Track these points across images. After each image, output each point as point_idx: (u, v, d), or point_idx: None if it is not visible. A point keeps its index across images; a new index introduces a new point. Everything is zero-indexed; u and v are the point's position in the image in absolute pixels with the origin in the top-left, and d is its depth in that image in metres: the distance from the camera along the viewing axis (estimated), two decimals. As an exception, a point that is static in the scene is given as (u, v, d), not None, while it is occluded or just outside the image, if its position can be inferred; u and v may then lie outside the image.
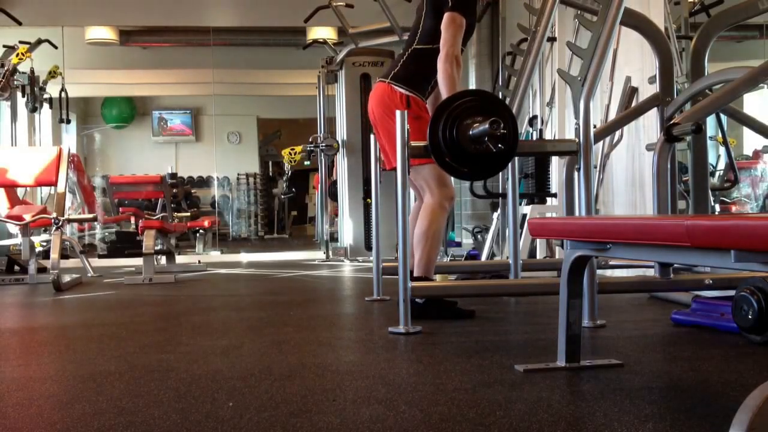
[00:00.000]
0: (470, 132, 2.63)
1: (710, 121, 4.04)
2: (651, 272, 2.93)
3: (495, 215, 5.25)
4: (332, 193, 7.62)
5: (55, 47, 7.22)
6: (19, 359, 2.48)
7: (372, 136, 3.87)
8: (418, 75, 3.12)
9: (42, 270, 5.29)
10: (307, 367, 2.16)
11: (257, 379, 2.00)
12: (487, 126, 2.57)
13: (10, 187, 5.56)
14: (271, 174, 12.28)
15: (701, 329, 2.65)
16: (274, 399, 1.77)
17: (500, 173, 4.73)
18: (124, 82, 10.93)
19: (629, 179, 4.54)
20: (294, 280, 5.21)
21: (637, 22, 3.42)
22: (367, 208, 6.74)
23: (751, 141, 5.25)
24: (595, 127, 2.82)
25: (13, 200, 5.71)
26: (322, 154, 7.27)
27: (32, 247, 5.13)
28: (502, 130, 2.58)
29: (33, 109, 7.24)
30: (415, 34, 3.15)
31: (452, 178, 3.07)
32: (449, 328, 2.89)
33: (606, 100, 4.63)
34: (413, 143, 2.74)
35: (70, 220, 5.27)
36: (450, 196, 3.12)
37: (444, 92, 2.94)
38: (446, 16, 2.99)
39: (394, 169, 3.00)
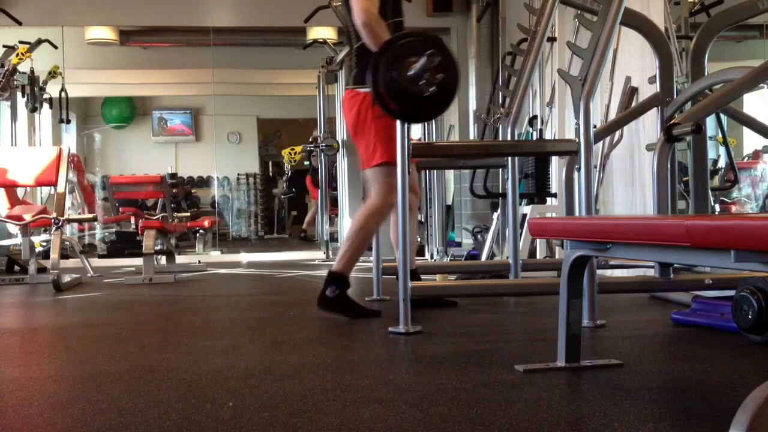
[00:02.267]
0: (409, 72, 2.61)
1: (710, 121, 4.03)
2: (651, 272, 2.93)
3: (495, 215, 5.25)
4: (332, 199, 7.63)
5: (55, 47, 7.22)
6: (19, 359, 2.48)
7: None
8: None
9: (42, 270, 5.29)
10: (307, 367, 2.16)
11: (257, 379, 2.00)
12: (424, 59, 2.56)
13: (10, 187, 5.55)
14: (271, 174, 12.28)
15: (701, 329, 2.65)
16: (274, 399, 1.77)
17: (500, 173, 4.75)
18: (124, 82, 10.92)
19: (629, 179, 4.54)
20: (294, 280, 5.21)
21: (637, 22, 3.42)
22: (367, 208, 6.72)
23: (751, 141, 5.25)
24: (595, 127, 2.82)
25: (13, 200, 5.71)
26: (322, 154, 7.27)
27: (32, 247, 5.13)
28: (430, 74, 2.57)
29: (33, 109, 7.23)
30: (350, 35, 3.09)
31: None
32: (449, 328, 2.89)
33: (606, 100, 4.63)
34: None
35: (70, 220, 5.27)
36: (391, 205, 3.07)
37: (373, 47, 2.84)
38: None
39: (370, 167, 3.04)
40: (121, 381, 2.02)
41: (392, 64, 2.63)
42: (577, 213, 3.00)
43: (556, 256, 4.80)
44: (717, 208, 4.39)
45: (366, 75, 2.74)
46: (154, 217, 6.52)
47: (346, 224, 6.99)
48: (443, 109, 2.84)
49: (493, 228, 5.27)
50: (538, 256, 4.88)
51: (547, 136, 5.60)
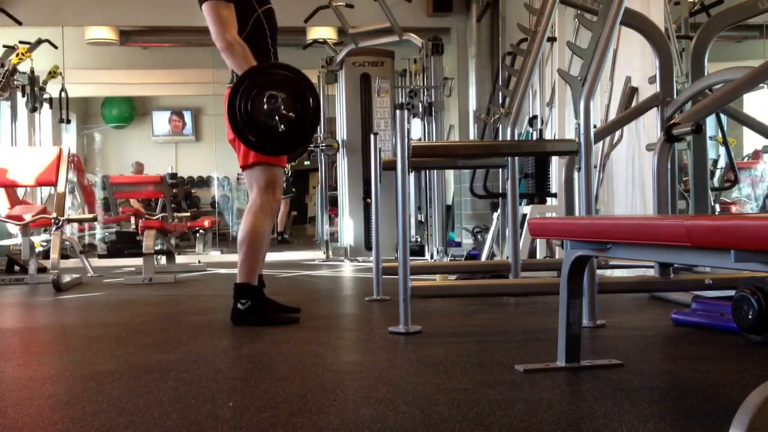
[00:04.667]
0: (264, 106, 2.64)
1: (710, 121, 4.03)
2: (651, 272, 2.93)
3: (495, 215, 5.25)
4: (332, 199, 7.63)
5: (55, 47, 7.22)
6: (19, 359, 2.48)
7: (372, 136, 3.88)
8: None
9: (42, 270, 5.29)
10: (307, 367, 2.16)
11: (257, 379, 2.00)
12: (281, 96, 2.63)
13: (11, 187, 5.56)
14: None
15: (701, 329, 2.65)
16: (274, 399, 1.77)
17: (500, 173, 4.76)
18: (124, 82, 10.92)
19: (629, 179, 4.54)
20: (294, 280, 5.21)
21: (637, 22, 3.42)
22: (367, 208, 6.74)
23: (751, 141, 5.25)
24: (595, 127, 2.82)
25: (13, 200, 5.71)
26: (322, 154, 7.27)
27: (32, 247, 5.13)
28: (284, 110, 2.62)
29: (33, 109, 7.24)
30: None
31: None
32: (449, 328, 2.90)
33: (606, 100, 4.63)
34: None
35: (70, 220, 5.27)
36: (276, 201, 3.04)
37: (237, 72, 2.82)
38: (203, 7, 2.85)
39: (245, 167, 2.99)
40: (121, 381, 2.02)
41: (248, 96, 2.66)
42: (577, 213, 3.00)
43: (556, 256, 4.80)
44: (717, 208, 4.39)
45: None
46: (154, 217, 6.52)
47: (346, 224, 6.99)
48: (298, 147, 2.87)
49: (493, 228, 5.27)
50: (538, 256, 4.88)
51: (547, 136, 5.61)
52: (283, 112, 2.66)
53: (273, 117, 2.66)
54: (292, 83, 2.72)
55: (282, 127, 2.67)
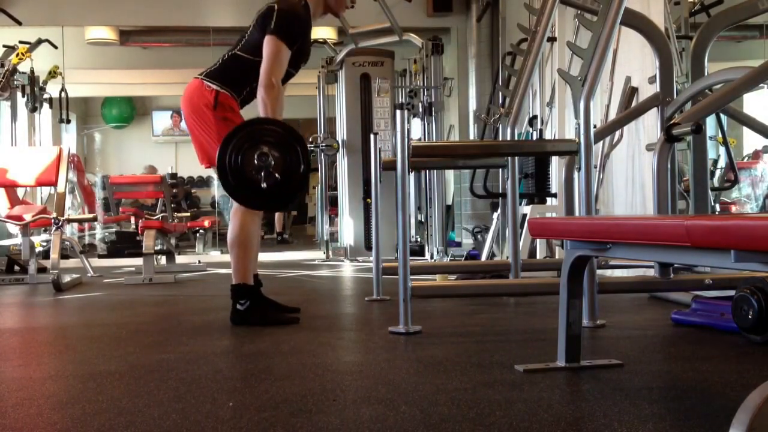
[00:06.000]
0: (254, 159, 2.67)
1: (710, 121, 4.03)
2: (651, 272, 2.93)
3: (495, 215, 5.25)
4: (332, 199, 7.63)
5: (55, 47, 7.22)
6: (19, 359, 2.48)
7: (372, 136, 3.87)
8: (234, 77, 3.02)
9: (42, 270, 5.28)
10: (307, 367, 2.16)
11: (257, 379, 2.00)
12: (273, 155, 2.66)
13: (11, 187, 5.55)
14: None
15: (701, 329, 2.65)
16: (274, 399, 1.77)
17: (500, 173, 4.76)
18: (124, 82, 10.91)
19: (629, 179, 4.54)
20: (294, 280, 5.21)
21: (637, 22, 3.42)
22: (367, 208, 6.74)
23: (751, 141, 5.25)
24: (595, 127, 2.82)
25: (13, 200, 5.71)
26: (322, 154, 7.27)
27: (32, 247, 5.13)
28: (272, 169, 2.65)
29: (33, 109, 7.24)
30: (240, 40, 3.07)
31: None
32: (449, 328, 2.90)
33: (606, 100, 4.63)
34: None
35: (70, 220, 5.27)
36: None
37: (261, 111, 2.89)
38: (266, 39, 2.91)
39: (209, 167, 3.01)
40: (121, 381, 2.02)
41: (242, 146, 2.68)
42: (577, 213, 3.00)
43: (556, 256, 4.80)
44: (717, 208, 4.39)
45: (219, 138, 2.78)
46: (154, 217, 6.52)
47: (346, 224, 6.99)
48: (278, 208, 2.88)
49: (493, 228, 5.27)
50: (538, 256, 4.88)
51: (547, 136, 5.60)
52: (272, 171, 2.68)
53: (260, 173, 2.68)
54: (287, 145, 2.74)
55: (264, 185, 2.69)
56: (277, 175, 2.68)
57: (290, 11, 2.96)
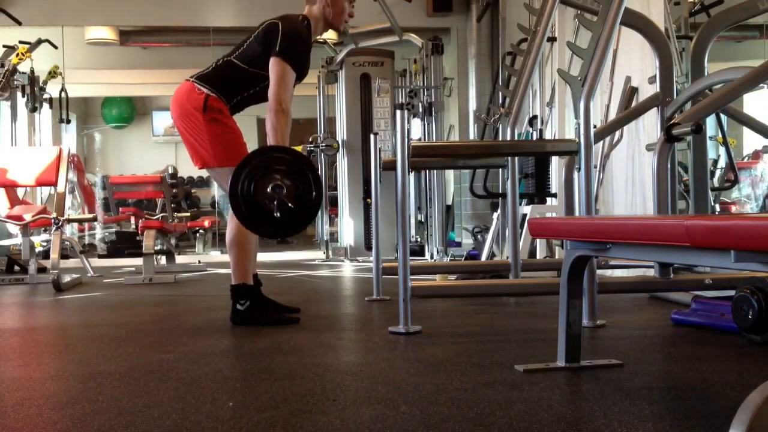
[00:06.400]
0: (267, 188, 2.64)
1: (710, 121, 4.04)
2: (651, 272, 2.93)
3: (495, 215, 5.25)
4: (332, 199, 7.63)
5: (55, 47, 7.22)
6: (19, 359, 2.48)
7: (372, 136, 3.87)
8: (226, 83, 3.02)
9: (42, 270, 5.28)
10: (307, 367, 2.16)
11: (257, 379, 2.00)
12: (287, 185, 2.63)
13: (11, 187, 5.55)
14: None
15: (701, 329, 2.65)
16: (274, 399, 1.77)
17: (500, 173, 4.76)
18: (124, 82, 10.91)
19: (629, 179, 4.54)
20: (294, 280, 5.21)
21: (637, 22, 3.42)
22: (367, 208, 6.74)
23: (751, 141, 5.25)
24: (595, 127, 2.82)
25: (13, 200, 5.71)
26: (322, 154, 7.27)
27: (32, 247, 5.13)
28: (284, 198, 2.62)
29: (33, 109, 7.23)
30: (238, 48, 3.05)
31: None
32: (449, 328, 2.90)
33: (606, 100, 4.63)
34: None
35: (70, 220, 5.27)
36: None
37: (272, 143, 2.88)
38: (273, 60, 2.90)
39: (202, 168, 3.03)
40: (121, 381, 2.02)
41: (254, 175, 2.65)
42: (577, 213, 3.00)
43: (556, 256, 4.80)
44: (717, 208, 4.40)
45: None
46: (154, 217, 6.52)
47: (346, 224, 6.99)
48: (290, 235, 2.85)
49: (493, 228, 5.27)
50: (538, 256, 4.88)
51: (547, 136, 5.60)
52: (284, 200, 2.65)
53: (272, 201, 2.65)
54: (299, 173, 2.69)
55: (277, 214, 2.65)
56: (290, 204, 2.65)
57: (294, 32, 2.96)
